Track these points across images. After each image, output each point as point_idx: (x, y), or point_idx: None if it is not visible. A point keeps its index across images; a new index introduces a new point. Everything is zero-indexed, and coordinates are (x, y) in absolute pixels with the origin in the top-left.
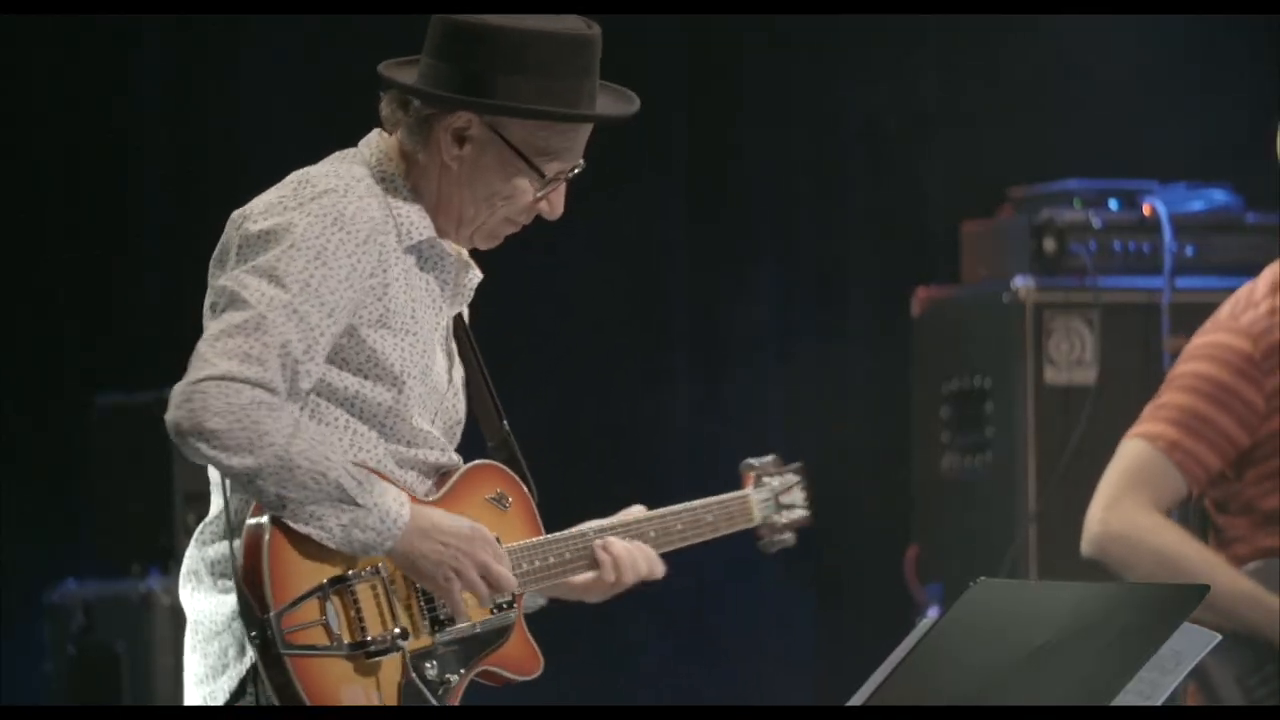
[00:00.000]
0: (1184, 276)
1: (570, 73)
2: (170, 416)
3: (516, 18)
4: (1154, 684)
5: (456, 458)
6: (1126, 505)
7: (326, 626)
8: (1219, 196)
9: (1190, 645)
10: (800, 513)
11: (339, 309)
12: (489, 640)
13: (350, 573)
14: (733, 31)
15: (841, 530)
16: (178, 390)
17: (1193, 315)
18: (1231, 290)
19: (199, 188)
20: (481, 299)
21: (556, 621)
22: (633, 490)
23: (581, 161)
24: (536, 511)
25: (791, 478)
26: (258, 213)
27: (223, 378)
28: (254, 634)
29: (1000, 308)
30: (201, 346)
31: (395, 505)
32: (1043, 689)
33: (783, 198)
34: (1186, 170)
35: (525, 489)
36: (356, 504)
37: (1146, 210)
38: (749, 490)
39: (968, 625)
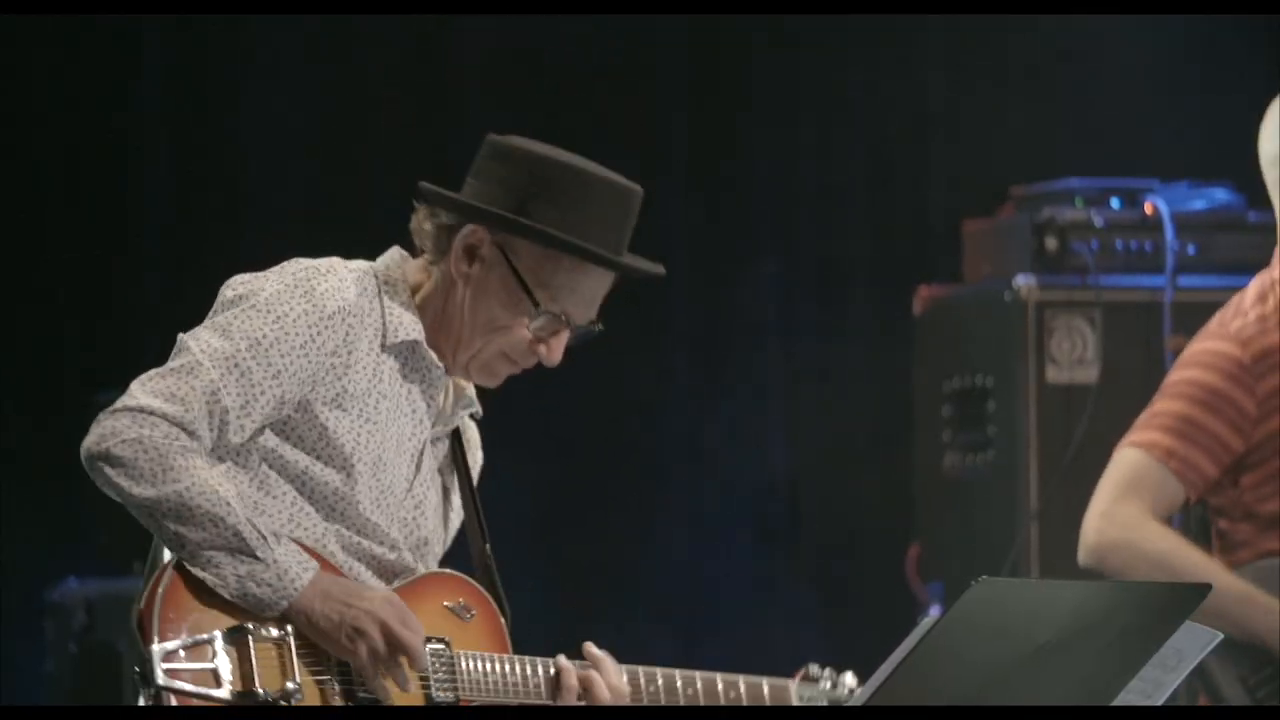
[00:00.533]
0: (1186, 275)
1: (598, 216)
2: (83, 442)
3: (563, 153)
4: (1156, 682)
5: (412, 563)
6: (1123, 514)
7: (214, 673)
8: (1221, 195)
9: (1192, 643)
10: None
11: (287, 373)
12: None
13: (250, 626)
14: (735, 30)
15: (843, 529)
16: (97, 418)
17: (1195, 314)
18: (1234, 289)
19: (199, 188)
20: None
21: (554, 619)
22: (632, 490)
23: (596, 323)
24: (506, 636)
25: (851, 689)
26: (238, 281)
27: (140, 409)
28: (136, 668)
29: (1002, 306)
30: (132, 383)
31: (296, 566)
32: (1044, 687)
33: (784, 196)
34: (1188, 169)
35: (496, 610)
36: (255, 557)
37: (1148, 209)
38: (794, 682)
39: (969, 624)
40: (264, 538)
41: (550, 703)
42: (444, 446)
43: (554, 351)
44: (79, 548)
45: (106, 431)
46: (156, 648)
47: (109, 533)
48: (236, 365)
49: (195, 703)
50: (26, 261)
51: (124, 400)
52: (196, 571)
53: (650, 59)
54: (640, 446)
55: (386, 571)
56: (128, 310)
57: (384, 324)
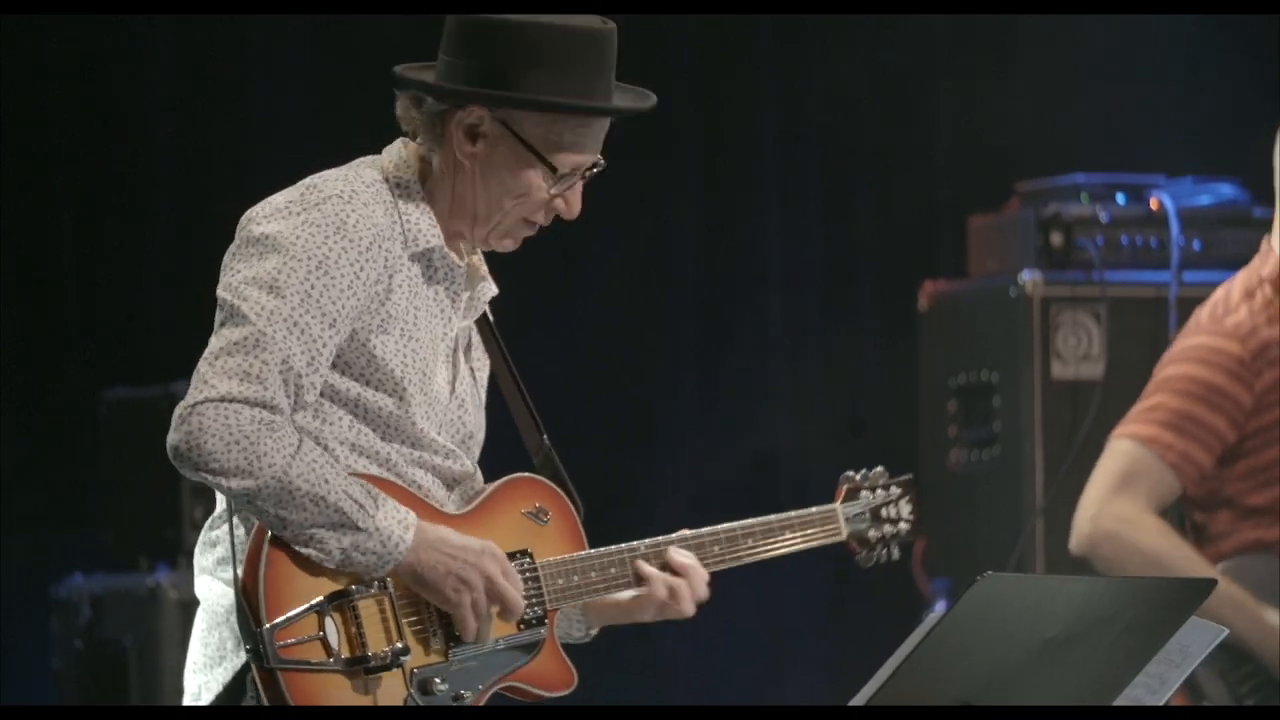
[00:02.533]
0: (1191, 271)
1: (584, 67)
2: (169, 439)
3: (531, 16)
4: (1161, 678)
5: (470, 466)
6: (1118, 504)
7: (324, 641)
8: (1226, 191)
9: (1197, 639)
10: (902, 526)
11: (341, 318)
12: (515, 657)
13: (354, 587)
14: (743, 25)
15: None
16: (177, 412)
17: None
18: None
19: (206, 183)
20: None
21: None
22: (635, 482)
23: (601, 160)
24: (581, 527)
25: (896, 490)
26: (262, 215)
27: (221, 399)
28: (249, 647)
29: (1007, 302)
30: (201, 366)
31: (398, 529)
32: (1050, 683)
33: (790, 191)
34: (1194, 164)
35: (569, 503)
36: (358, 528)
37: (1154, 204)
38: (837, 504)
39: (975, 619)
40: (362, 506)
41: (636, 590)
42: (470, 335)
43: (573, 205)
44: (85, 543)
45: (193, 429)
46: (268, 627)
47: (114, 529)
48: (296, 324)
49: (310, 674)
50: (33, 257)
51: (202, 391)
52: (300, 548)
53: (658, 50)
54: (644, 441)
55: (449, 478)
56: (134, 305)
57: (404, 233)
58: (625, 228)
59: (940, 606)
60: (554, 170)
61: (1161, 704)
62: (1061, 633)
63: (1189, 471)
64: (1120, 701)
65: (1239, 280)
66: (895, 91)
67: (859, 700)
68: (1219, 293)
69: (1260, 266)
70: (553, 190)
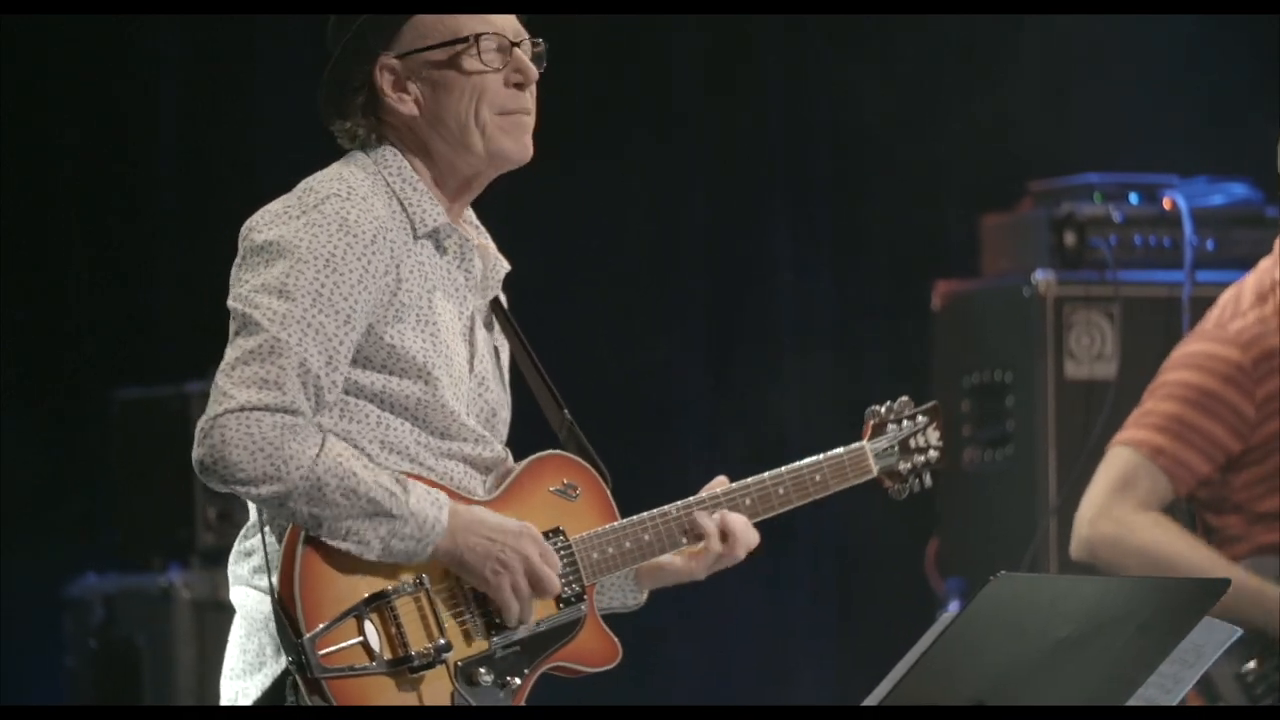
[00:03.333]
0: (1204, 270)
1: None
2: (194, 455)
3: None
4: (1175, 678)
5: (500, 449)
6: (1114, 509)
7: (365, 645)
8: (1239, 190)
9: (1211, 639)
10: (931, 454)
11: (355, 314)
12: (557, 636)
13: (390, 588)
14: (752, 23)
15: (862, 524)
16: (199, 426)
17: None
18: None
19: (215, 183)
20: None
21: None
22: (648, 484)
23: (535, 39)
24: (611, 498)
25: (922, 419)
26: (263, 223)
27: (241, 409)
28: (290, 659)
29: (1020, 301)
30: (219, 378)
31: (433, 510)
32: (1063, 683)
33: (802, 190)
34: (1207, 164)
35: (597, 476)
36: (391, 515)
37: (1167, 204)
38: (865, 442)
39: (988, 619)
40: (393, 493)
41: (691, 547)
42: (486, 313)
43: (528, 72)
44: (98, 543)
45: (216, 442)
46: (308, 637)
47: (127, 528)
48: (310, 325)
49: (354, 680)
50: (45, 257)
51: (221, 403)
52: (337, 543)
53: (667, 51)
54: (657, 444)
55: (481, 467)
56: (146, 305)
57: (409, 218)
58: (634, 231)
59: (953, 606)
60: (466, 40)
61: (1175, 704)
62: (1074, 632)
63: (1183, 477)
64: (1133, 701)
65: (1250, 282)
66: (908, 90)
67: (872, 700)
68: (1228, 295)
69: (1272, 268)
70: (485, 60)
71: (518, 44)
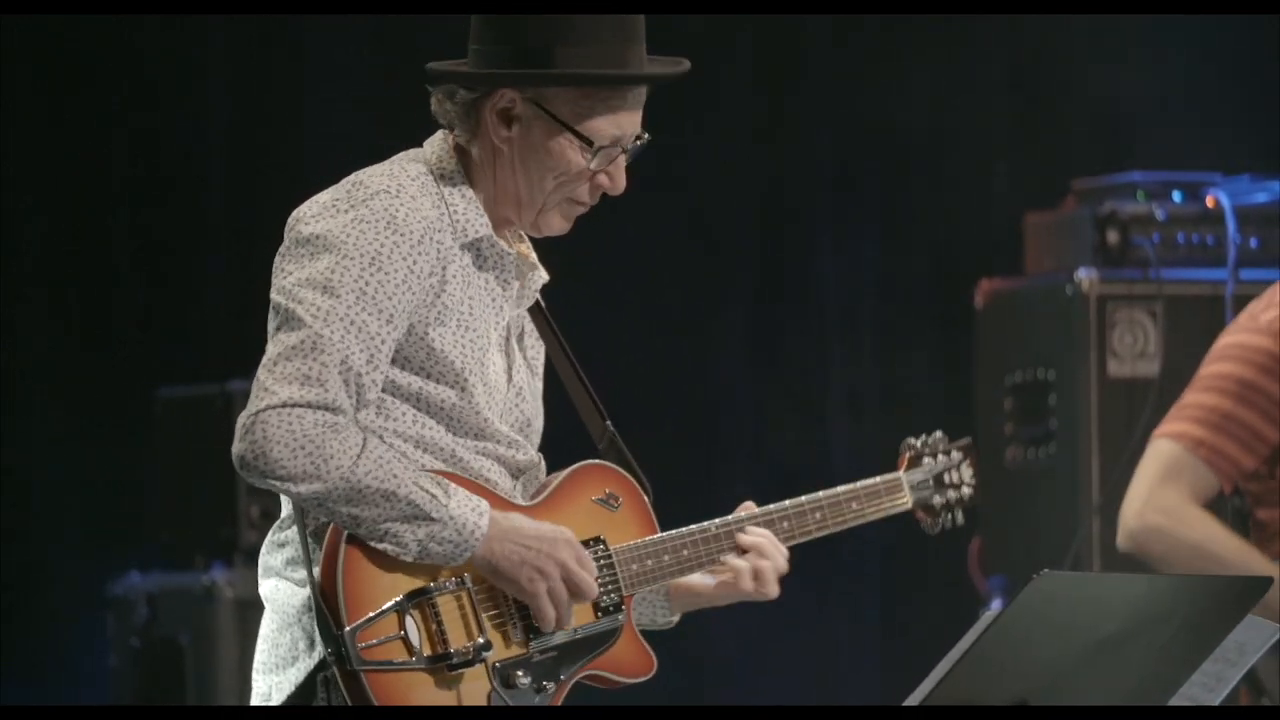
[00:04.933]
0: (1248, 269)
1: (611, 38)
2: (235, 450)
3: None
4: (1218, 676)
5: (534, 454)
6: (1163, 499)
7: (405, 640)
8: None
9: (1254, 637)
10: (965, 490)
11: (398, 313)
12: (594, 644)
13: (431, 585)
14: (796, 22)
15: (905, 521)
16: (240, 421)
17: None
18: None
19: (260, 182)
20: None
21: None
22: (692, 479)
23: (644, 135)
24: (651, 511)
25: (956, 455)
26: (310, 215)
27: (283, 405)
28: (330, 650)
29: (1064, 300)
30: (261, 373)
31: (473, 515)
32: (1106, 682)
33: (845, 189)
34: (1250, 162)
35: (638, 487)
36: (431, 518)
37: (1210, 202)
38: (901, 473)
39: (1031, 618)
40: (434, 496)
41: (719, 576)
42: (520, 325)
43: (617, 180)
44: (141, 542)
45: (257, 438)
46: (349, 629)
47: (171, 527)
48: (353, 323)
49: (393, 674)
50: (90, 256)
51: (263, 399)
52: (375, 544)
53: (715, 49)
54: (701, 439)
55: (514, 468)
56: (190, 304)
57: (453, 223)
58: (671, 236)
59: (996, 604)
60: (590, 144)
61: (1218, 702)
62: (1118, 631)
63: (1225, 468)
64: (1176, 700)
65: None
66: (951, 89)
67: (914, 699)
68: (1266, 292)
69: None
70: (593, 166)
71: (626, 150)
